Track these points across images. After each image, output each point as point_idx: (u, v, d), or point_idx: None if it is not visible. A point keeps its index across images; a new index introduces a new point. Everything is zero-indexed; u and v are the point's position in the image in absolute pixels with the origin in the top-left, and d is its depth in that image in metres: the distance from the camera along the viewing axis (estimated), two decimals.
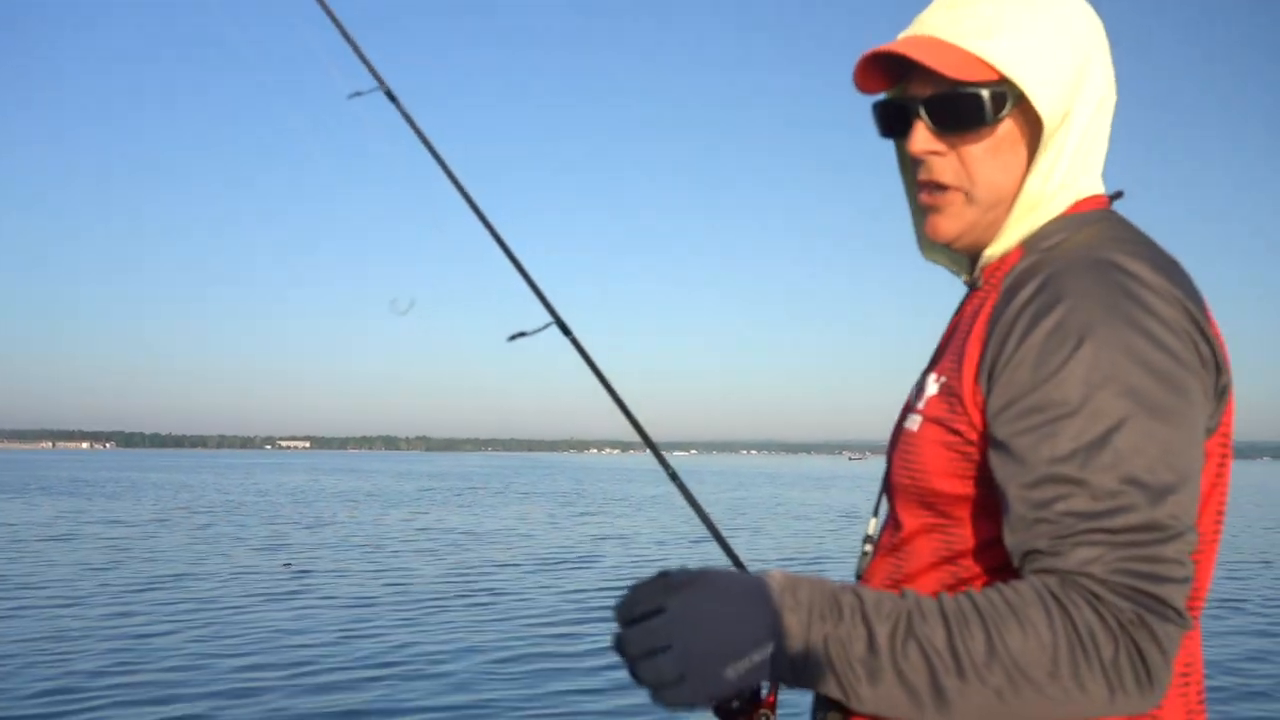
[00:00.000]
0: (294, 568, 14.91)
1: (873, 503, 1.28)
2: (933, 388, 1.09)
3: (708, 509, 1.69)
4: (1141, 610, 0.88)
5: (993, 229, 1.12)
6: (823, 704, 1.10)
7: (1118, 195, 1.15)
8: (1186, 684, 1.03)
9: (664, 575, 0.95)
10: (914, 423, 1.09)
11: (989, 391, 1.00)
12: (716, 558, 1.59)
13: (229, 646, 9.05)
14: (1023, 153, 1.09)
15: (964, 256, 1.20)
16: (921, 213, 1.17)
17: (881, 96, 1.16)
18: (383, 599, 11.99)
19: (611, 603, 0.95)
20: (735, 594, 0.92)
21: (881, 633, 0.90)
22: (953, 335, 1.14)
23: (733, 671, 0.90)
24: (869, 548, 1.23)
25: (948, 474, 1.05)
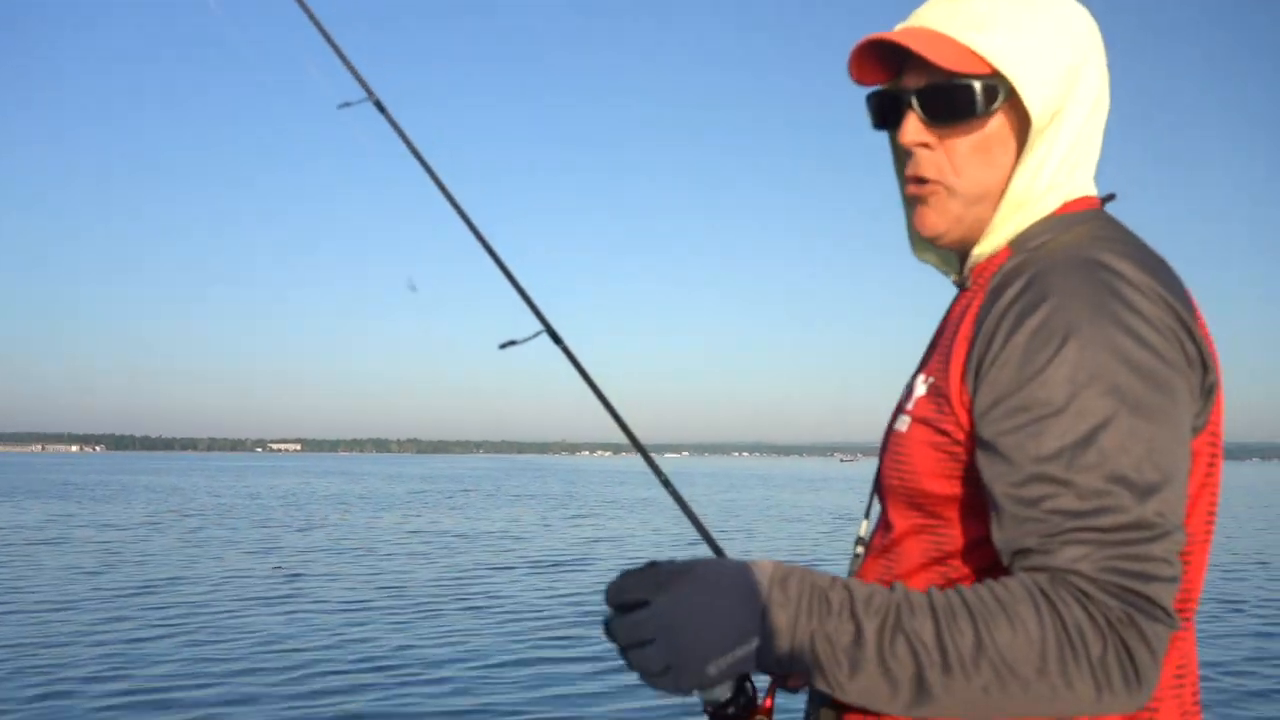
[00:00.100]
0: (285, 571, 14.88)
1: (864, 505, 1.28)
2: (921, 388, 1.09)
3: (700, 511, 1.69)
4: (1130, 609, 0.88)
5: (980, 227, 1.12)
6: (816, 703, 1.11)
7: (1110, 198, 1.16)
8: (1181, 685, 1.03)
9: (653, 565, 0.96)
10: (903, 424, 1.10)
11: (975, 391, 1.00)
12: None
13: (221, 651, 9.02)
14: (1012, 151, 1.10)
15: (954, 256, 1.21)
16: (910, 206, 1.18)
17: (876, 89, 1.17)
18: (375, 602, 11.96)
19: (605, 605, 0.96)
20: (723, 588, 0.93)
21: (870, 629, 0.91)
22: (941, 336, 1.14)
23: (716, 667, 0.92)
24: (860, 549, 1.23)
25: (936, 475, 1.05)
